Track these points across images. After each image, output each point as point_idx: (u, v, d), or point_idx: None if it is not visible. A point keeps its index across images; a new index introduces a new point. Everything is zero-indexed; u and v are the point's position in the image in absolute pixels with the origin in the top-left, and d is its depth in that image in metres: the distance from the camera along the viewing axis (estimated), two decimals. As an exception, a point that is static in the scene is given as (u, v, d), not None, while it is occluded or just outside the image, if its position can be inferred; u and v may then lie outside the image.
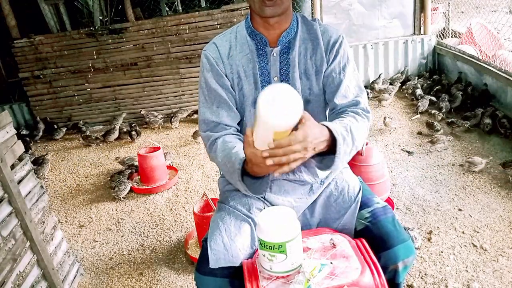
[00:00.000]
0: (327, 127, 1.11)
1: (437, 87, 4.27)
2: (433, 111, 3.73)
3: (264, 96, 0.94)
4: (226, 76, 1.31)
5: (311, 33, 1.31)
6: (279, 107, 0.93)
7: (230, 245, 1.19)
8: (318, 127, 1.07)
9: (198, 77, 1.37)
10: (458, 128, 3.35)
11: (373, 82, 4.64)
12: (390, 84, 4.56)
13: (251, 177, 1.17)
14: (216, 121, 1.30)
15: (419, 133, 3.55)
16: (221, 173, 1.52)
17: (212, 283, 1.17)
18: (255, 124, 1.01)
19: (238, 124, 1.34)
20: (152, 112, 4.58)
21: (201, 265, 1.20)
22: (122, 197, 3.06)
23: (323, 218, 1.35)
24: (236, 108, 1.33)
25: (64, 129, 4.51)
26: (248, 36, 1.31)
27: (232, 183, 1.24)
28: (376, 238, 1.19)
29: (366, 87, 4.59)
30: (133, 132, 4.16)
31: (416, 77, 4.69)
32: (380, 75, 4.68)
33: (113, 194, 3.05)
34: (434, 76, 4.63)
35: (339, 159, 1.13)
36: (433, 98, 4.00)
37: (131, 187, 3.13)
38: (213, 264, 1.17)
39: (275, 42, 1.30)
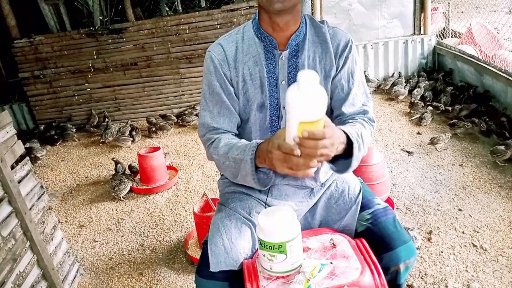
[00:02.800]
0: (343, 130, 1.11)
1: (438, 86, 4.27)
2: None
3: (293, 87, 0.95)
4: (231, 80, 1.27)
5: (320, 36, 1.27)
6: (306, 98, 0.92)
7: (230, 248, 1.18)
8: (337, 129, 1.08)
9: (198, 77, 1.36)
10: (460, 129, 3.34)
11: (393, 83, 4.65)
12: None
13: (258, 170, 1.17)
14: (215, 126, 1.28)
15: (419, 133, 3.56)
16: (221, 174, 1.52)
17: (213, 286, 1.17)
18: (287, 119, 1.00)
19: (239, 128, 1.33)
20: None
21: (201, 268, 1.19)
22: (122, 197, 3.07)
23: (324, 219, 1.34)
24: (240, 113, 1.30)
25: (74, 130, 4.52)
26: (256, 37, 1.26)
27: (234, 176, 1.21)
28: (377, 239, 1.19)
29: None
30: (134, 132, 4.16)
31: (416, 77, 4.69)
32: (393, 74, 4.71)
33: (113, 194, 3.05)
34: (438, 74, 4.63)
35: (356, 161, 1.14)
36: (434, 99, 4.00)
37: (131, 187, 3.14)
38: (214, 267, 1.16)
39: (284, 45, 1.25)
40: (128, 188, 3.08)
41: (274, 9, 1.15)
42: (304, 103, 0.93)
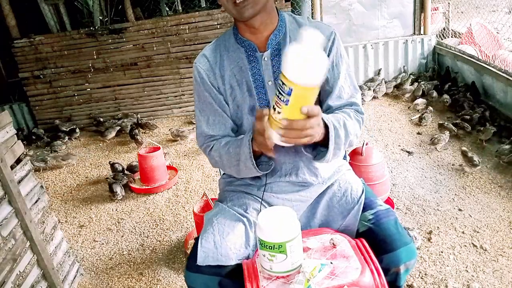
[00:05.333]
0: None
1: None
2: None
3: (294, 45, 0.92)
4: (218, 88, 1.29)
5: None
6: (307, 57, 0.89)
7: (220, 244, 1.18)
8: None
9: (193, 83, 1.36)
10: (461, 131, 3.34)
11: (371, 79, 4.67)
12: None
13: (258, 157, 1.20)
14: (212, 134, 1.31)
15: (419, 133, 3.56)
16: (223, 173, 1.52)
17: (199, 280, 1.17)
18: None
19: (236, 132, 1.35)
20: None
21: (189, 262, 1.20)
22: (119, 199, 3.07)
23: (325, 219, 1.34)
24: (232, 119, 1.32)
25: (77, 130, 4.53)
26: (236, 43, 1.28)
27: (238, 170, 1.24)
28: (378, 240, 1.19)
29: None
30: (138, 135, 4.05)
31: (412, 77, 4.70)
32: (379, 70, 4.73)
33: (113, 198, 3.07)
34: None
35: (331, 147, 1.13)
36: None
37: (131, 187, 3.15)
38: (201, 261, 1.16)
39: (264, 46, 1.26)
40: (121, 187, 3.09)
41: (246, 17, 1.17)
42: (304, 62, 0.88)
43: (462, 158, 2.83)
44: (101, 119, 4.64)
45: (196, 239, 1.24)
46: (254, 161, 1.17)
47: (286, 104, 0.92)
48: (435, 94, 4.09)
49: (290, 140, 0.98)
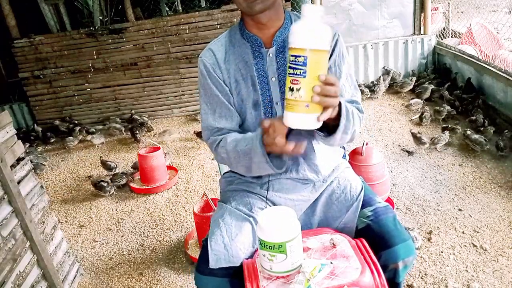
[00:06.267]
0: None
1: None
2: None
3: (298, 21, 0.99)
4: (224, 82, 1.30)
5: None
6: (311, 24, 0.95)
7: (230, 245, 1.19)
8: None
9: (198, 77, 1.37)
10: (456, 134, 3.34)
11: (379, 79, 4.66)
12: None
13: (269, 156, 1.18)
14: (219, 127, 1.31)
15: (419, 133, 3.56)
16: (224, 172, 1.52)
17: (212, 282, 1.18)
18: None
19: (240, 127, 1.35)
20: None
21: (201, 265, 1.20)
22: (112, 193, 3.12)
23: (325, 216, 1.35)
24: (237, 112, 1.33)
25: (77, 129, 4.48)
26: (242, 39, 1.30)
27: (248, 168, 1.23)
28: (377, 236, 1.20)
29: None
30: (137, 131, 4.09)
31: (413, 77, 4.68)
32: (389, 71, 4.71)
33: (103, 194, 3.12)
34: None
35: (344, 133, 1.14)
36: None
37: (131, 187, 3.15)
38: (213, 264, 1.17)
39: (270, 43, 1.28)
40: (112, 188, 3.13)
41: (255, 11, 1.19)
42: (310, 28, 0.94)
43: (412, 139, 3.25)
44: (76, 121, 4.65)
45: (205, 242, 1.24)
46: (268, 159, 1.15)
47: (304, 77, 0.95)
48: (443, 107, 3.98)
49: (325, 102, 0.98)
